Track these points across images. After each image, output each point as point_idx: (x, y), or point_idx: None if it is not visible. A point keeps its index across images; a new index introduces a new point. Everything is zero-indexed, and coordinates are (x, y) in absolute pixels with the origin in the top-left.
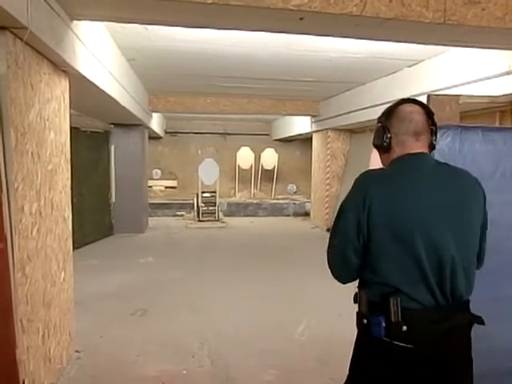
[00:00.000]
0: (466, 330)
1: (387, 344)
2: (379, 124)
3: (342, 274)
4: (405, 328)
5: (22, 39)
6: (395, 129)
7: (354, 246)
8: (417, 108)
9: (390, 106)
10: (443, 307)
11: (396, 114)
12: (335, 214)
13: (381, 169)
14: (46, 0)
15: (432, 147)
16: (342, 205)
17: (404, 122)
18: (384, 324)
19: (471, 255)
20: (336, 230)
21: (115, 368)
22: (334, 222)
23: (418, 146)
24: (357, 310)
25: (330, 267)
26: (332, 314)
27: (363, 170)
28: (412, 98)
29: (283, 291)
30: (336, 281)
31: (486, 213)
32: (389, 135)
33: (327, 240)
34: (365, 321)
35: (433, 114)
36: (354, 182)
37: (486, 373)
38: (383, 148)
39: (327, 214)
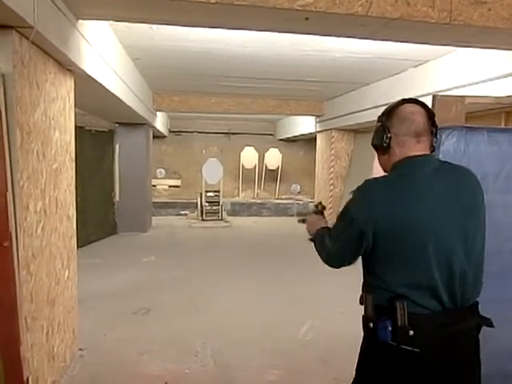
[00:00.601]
0: (475, 333)
1: (394, 348)
2: (379, 124)
3: (335, 266)
4: (411, 333)
5: (28, 38)
6: (396, 129)
7: (356, 253)
8: (418, 108)
9: (391, 106)
10: (450, 311)
11: (397, 114)
12: (337, 215)
13: (385, 176)
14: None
15: (432, 149)
16: (346, 213)
17: (405, 122)
18: (390, 328)
19: (479, 257)
20: (339, 237)
21: (118, 366)
22: (337, 227)
23: (419, 148)
24: (363, 313)
25: (323, 261)
26: (335, 313)
27: (366, 172)
28: (413, 98)
29: (287, 291)
30: (338, 280)
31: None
32: (389, 135)
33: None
34: (371, 324)
35: (434, 114)
36: (359, 191)
37: (491, 374)
38: (382, 148)
39: (331, 214)
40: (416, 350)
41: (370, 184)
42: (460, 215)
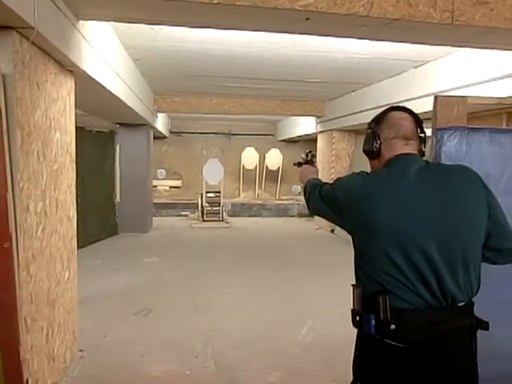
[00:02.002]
0: (467, 335)
1: (378, 341)
2: (369, 130)
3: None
4: (393, 327)
5: (28, 39)
6: (385, 134)
7: (328, 219)
8: (406, 115)
9: (380, 113)
10: (437, 309)
11: (386, 120)
12: (335, 180)
13: (376, 171)
14: (52, 0)
15: (421, 155)
16: (336, 187)
17: (393, 127)
18: (374, 322)
19: (472, 256)
20: (323, 198)
21: (119, 368)
22: (325, 190)
23: (407, 149)
24: (351, 307)
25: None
26: (336, 314)
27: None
28: (401, 105)
29: (287, 292)
30: (339, 281)
31: (490, 196)
32: (379, 141)
33: (331, 241)
34: (357, 318)
35: (421, 121)
36: (352, 177)
37: (490, 375)
38: (373, 154)
39: None
40: (401, 345)
41: (364, 176)
42: (441, 214)
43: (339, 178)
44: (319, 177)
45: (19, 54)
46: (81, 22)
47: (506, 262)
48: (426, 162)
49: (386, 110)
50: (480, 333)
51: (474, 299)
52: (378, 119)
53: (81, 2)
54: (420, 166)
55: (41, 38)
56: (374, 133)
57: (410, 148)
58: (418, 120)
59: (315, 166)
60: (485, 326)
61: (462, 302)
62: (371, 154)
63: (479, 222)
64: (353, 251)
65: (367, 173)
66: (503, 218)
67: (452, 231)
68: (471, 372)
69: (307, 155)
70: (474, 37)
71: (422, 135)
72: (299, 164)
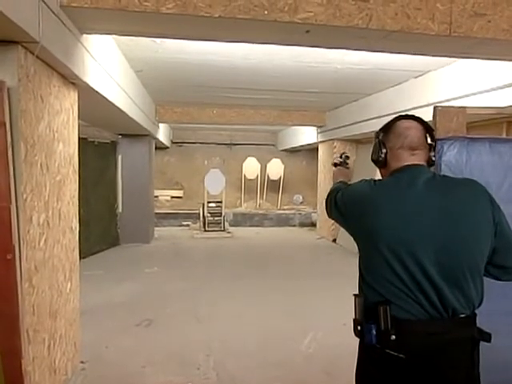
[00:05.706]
0: (469, 345)
1: (379, 351)
2: (376, 139)
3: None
4: (393, 337)
5: (33, 53)
6: (391, 143)
7: (338, 223)
8: (414, 124)
9: (388, 122)
10: (439, 320)
11: (393, 129)
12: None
13: (383, 179)
14: (56, 14)
15: (431, 163)
16: (346, 192)
17: (400, 137)
18: (375, 332)
19: (474, 268)
20: (336, 202)
21: (120, 379)
22: (338, 196)
23: (413, 160)
24: (353, 316)
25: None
26: (338, 325)
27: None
28: (411, 114)
29: (289, 302)
30: (341, 292)
31: (497, 213)
32: (384, 150)
33: (333, 251)
34: (359, 327)
35: (432, 129)
36: (360, 183)
37: None
38: (379, 163)
39: (333, 224)
40: (401, 355)
41: (371, 184)
42: (442, 228)
43: (351, 187)
44: (320, 187)
45: (24, 67)
46: (84, 35)
47: (508, 279)
48: (433, 174)
49: (395, 118)
50: (483, 343)
51: (476, 310)
52: (386, 128)
53: (84, 16)
54: (427, 178)
55: (45, 52)
56: (380, 142)
57: (417, 158)
58: (427, 128)
59: (348, 168)
60: (487, 337)
61: (463, 314)
62: (378, 163)
63: (483, 237)
64: (357, 261)
65: (375, 180)
66: (510, 234)
67: (453, 245)
68: (472, 383)
69: (341, 156)
70: (472, 48)
71: (432, 143)
72: (335, 165)
